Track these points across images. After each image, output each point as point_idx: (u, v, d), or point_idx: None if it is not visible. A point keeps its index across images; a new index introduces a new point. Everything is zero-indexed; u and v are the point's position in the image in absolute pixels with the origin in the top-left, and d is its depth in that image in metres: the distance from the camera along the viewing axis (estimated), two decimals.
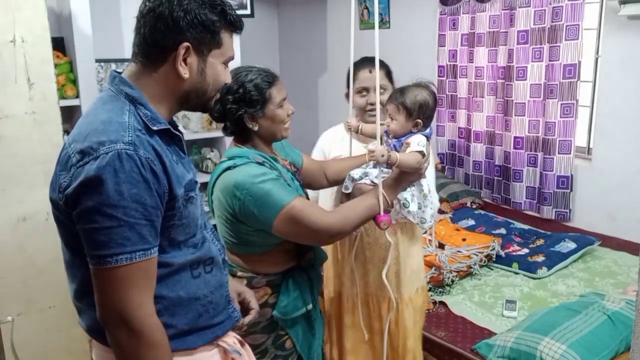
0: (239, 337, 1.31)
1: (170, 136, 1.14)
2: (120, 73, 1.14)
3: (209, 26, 1.11)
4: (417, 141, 1.57)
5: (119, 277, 1.02)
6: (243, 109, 1.52)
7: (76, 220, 1.03)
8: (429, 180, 1.77)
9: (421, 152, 1.55)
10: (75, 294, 1.16)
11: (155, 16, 1.08)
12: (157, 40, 1.09)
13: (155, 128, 1.09)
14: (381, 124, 1.61)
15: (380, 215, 1.54)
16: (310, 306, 1.66)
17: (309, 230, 1.49)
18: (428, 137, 1.62)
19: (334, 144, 2.01)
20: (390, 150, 1.53)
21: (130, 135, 1.03)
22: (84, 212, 1.01)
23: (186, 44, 1.09)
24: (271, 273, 1.61)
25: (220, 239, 1.31)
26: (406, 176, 1.57)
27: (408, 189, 1.62)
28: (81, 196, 1.00)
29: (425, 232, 1.73)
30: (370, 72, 1.84)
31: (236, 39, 1.37)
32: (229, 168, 1.52)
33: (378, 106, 1.57)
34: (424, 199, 1.64)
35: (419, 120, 1.59)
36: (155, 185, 1.04)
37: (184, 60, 1.11)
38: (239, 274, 1.61)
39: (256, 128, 1.56)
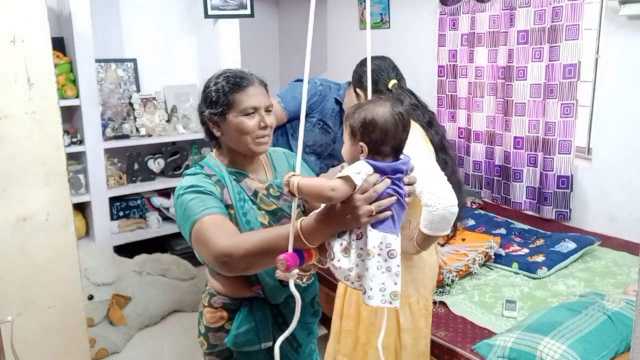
0: None
1: None
2: None
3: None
4: (353, 167, 1.10)
5: None
6: (206, 110, 1.43)
7: None
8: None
9: (347, 179, 1.07)
10: None
11: None
12: None
13: None
14: None
15: (282, 254, 1.10)
16: (268, 344, 1.44)
17: (206, 251, 1.27)
18: (386, 172, 1.11)
19: None
20: (294, 174, 1.10)
21: None
22: None
23: None
24: (228, 296, 1.48)
25: None
26: (337, 215, 1.09)
27: (345, 236, 1.12)
28: None
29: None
30: None
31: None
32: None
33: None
34: (368, 258, 1.08)
35: (362, 144, 1.13)
36: None
37: None
38: (206, 288, 1.54)
39: (218, 134, 1.44)
